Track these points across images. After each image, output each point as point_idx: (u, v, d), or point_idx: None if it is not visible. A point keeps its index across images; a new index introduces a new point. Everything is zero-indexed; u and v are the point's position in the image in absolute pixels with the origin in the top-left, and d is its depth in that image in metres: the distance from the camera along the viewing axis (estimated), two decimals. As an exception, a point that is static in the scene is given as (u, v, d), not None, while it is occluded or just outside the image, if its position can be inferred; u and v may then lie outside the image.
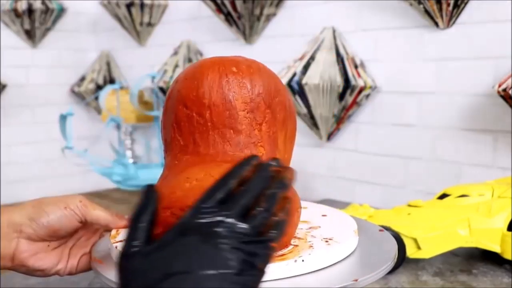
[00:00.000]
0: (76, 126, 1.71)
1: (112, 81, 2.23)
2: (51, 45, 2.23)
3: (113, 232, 0.62)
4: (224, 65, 0.59)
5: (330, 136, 1.54)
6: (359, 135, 1.52)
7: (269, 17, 1.68)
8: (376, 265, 0.55)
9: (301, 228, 0.62)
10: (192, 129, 0.58)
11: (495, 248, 0.94)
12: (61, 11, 2.17)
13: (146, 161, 2.09)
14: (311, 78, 1.42)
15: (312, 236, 0.60)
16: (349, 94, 1.43)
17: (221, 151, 0.56)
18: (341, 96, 1.43)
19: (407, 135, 1.41)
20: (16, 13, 2.07)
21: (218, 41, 1.85)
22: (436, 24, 1.30)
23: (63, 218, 0.60)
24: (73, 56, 2.30)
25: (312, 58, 1.46)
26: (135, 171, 1.77)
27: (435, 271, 0.95)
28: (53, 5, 2.13)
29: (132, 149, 2.09)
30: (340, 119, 1.49)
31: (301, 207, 0.60)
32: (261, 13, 1.66)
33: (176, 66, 1.88)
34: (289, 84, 1.44)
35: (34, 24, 2.12)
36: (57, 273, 0.64)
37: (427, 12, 1.29)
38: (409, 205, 1.00)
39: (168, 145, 0.61)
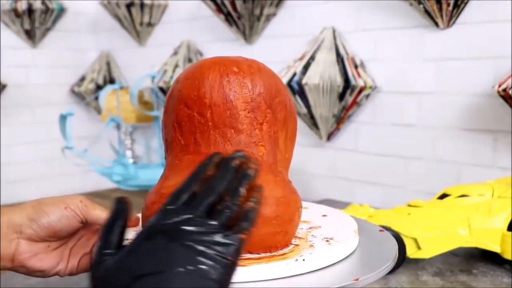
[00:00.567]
0: (76, 126, 1.71)
1: (112, 81, 2.23)
2: (51, 45, 2.23)
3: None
4: (225, 65, 0.59)
5: (330, 136, 1.54)
6: (359, 135, 1.52)
7: (269, 17, 1.68)
8: (376, 265, 0.55)
9: (302, 228, 0.62)
10: (193, 129, 0.58)
11: (495, 248, 0.94)
12: (61, 11, 2.17)
13: (146, 161, 2.09)
14: (311, 78, 1.42)
15: (312, 235, 0.60)
16: (349, 94, 1.43)
17: (222, 151, 0.56)
18: (341, 96, 1.43)
19: (407, 135, 1.41)
20: (16, 13, 2.07)
21: (218, 41, 1.86)
22: (436, 24, 1.30)
23: (64, 219, 0.60)
24: (73, 56, 2.30)
25: (312, 58, 1.46)
26: (135, 171, 1.77)
27: (435, 271, 0.95)
28: (53, 5, 2.13)
29: (132, 149, 2.09)
30: (340, 119, 1.49)
31: (302, 207, 0.60)
32: (261, 13, 1.66)
33: (176, 66, 1.88)
34: (289, 84, 1.44)
35: (34, 24, 2.12)
36: (57, 273, 0.64)
37: (427, 12, 1.29)
38: (409, 205, 1.00)
39: (169, 145, 0.61)
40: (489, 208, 0.95)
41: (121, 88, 1.99)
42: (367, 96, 1.46)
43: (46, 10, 2.11)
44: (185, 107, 0.59)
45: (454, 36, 1.29)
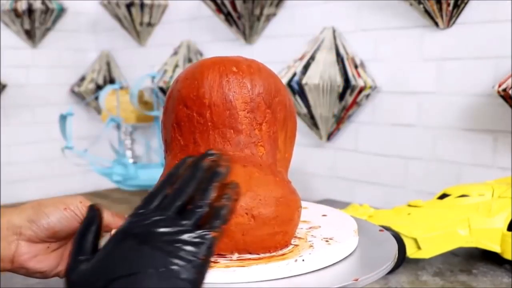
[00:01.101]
0: (76, 126, 1.71)
1: (112, 81, 2.23)
2: (51, 45, 2.23)
3: (114, 232, 0.62)
4: (224, 65, 0.59)
5: (330, 136, 1.54)
6: (359, 135, 1.52)
7: (269, 17, 1.68)
8: (376, 265, 0.55)
9: (301, 228, 0.62)
10: (192, 129, 0.58)
11: (495, 248, 0.94)
12: (61, 11, 2.17)
13: (146, 161, 2.09)
14: (311, 78, 1.42)
15: (312, 236, 0.60)
16: (349, 94, 1.43)
17: (222, 151, 0.56)
18: (341, 96, 1.43)
19: (407, 135, 1.41)
20: (16, 13, 2.07)
21: (218, 41, 1.86)
22: (436, 24, 1.30)
23: (63, 220, 0.60)
24: (73, 56, 2.30)
25: (312, 58, 1.46)
26: (135, 171, 1.77)
27: (435, 271, 0.95)
28: (53, 5, 2.13)
29: (132, 149, 2.09)
30: (340, 119, 1.49)
31: (301, 207, 0.60)
32: (261, 13, 1.66)
33: (176, 66, 1.88)
34: (289, 84, 1.44)
35: (34, 24, 2.12)
36: (57, 274, 0.64)
37: (427, 12, 1.29)
38: (409, 205, 1.00)
39: (169, 145, 0.61)
40: (489, 208, 0.95)
41: (121, 88, 1.99)
42: (367, 96, 1.46)
43: (46, 10, 2.11)
44: (184, 107, 0.59)
45: (454, 36, 1.29)
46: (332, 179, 1.59)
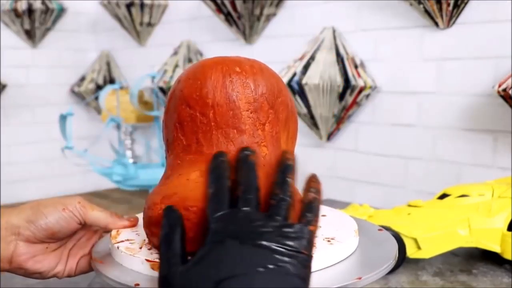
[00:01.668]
0: (76, 126, 1.71)
1: (112, 81, 2.23)
2: (51, 45, 2.23)
3: (113, 232, 0.62)
4: (227, 65, 0.59)
5: (330, 136, 1.54)
6: (359, 135, 1.52)
7: (269, 17, 1.68)
8: (378, 264, 0.55)
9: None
10: (195, 129, 0.58)
11: (495, 248, 0.94)
12: (61, 11, 2.17)
13: (146, 161, 2.09)
14: (311, 78, 1.42)
15: (313, 235, 0.60)
16: (349, 94, 1.43)
17: (225, 151, 0.56)
18: (341, 96, 1.43)
19: (407, 135, 1.41)
20: (16, 13, 2.07)
21: (218, 41, 1.86)
22: (436, 24, 1.30)
23: (62, 220, 0.60)
24: (73, 56, 2.30)
25: (312, 58, 1.46)
26: (135, 171, 1.77)
27: (435, 271, 0.95)
28: (53, 5, 2.13)
29: (132, 149, 2.09)
30: (340, 119, 1.49)
31: None
32: (261, 13, 1.66)
33: (176, 66, 1.88)
34: (289, 84, 1.44)
35: (34, 24, 2.12)
36: (55, 275, 0.63)
37: (427, 12, 1.29)
38: (409, 205, 1.00)
39: (170, 145, 0.61)
40: (489, 208, 0.95)
41: (121, 88, 1.99)
42: (367, 96, 1.46)
43: (46, 10, 2.11)
44: (187, 107, 0.59)
45: (454, 36, 1.29)
46: (332, 179, 1.59)
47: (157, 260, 0.52)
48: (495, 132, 1.25)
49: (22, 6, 2.06)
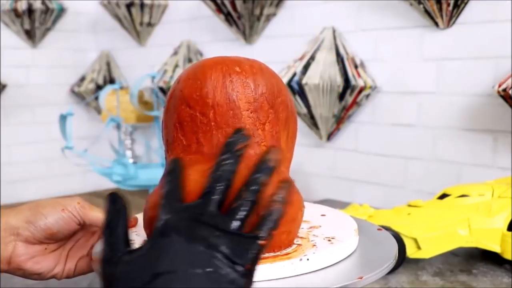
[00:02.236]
0: (76, 126, 1.71)
1: (112, 81, 2.23)
2: (51, 45, 2.23)
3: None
4: (227, 65, 0.59)
5: (330, 136, 1.54)
6: (359, 135, 1.52)
7: (269, 17, 1.68)
8: (378, 263, 0.55)
9: (302, 228, 0.62)
10: (195, 129, 0.58)
11: (495, 248, 0.94)
12: (61, 11, 2.17)
13: (146, 161, 2.09)
14: (311, 78, 1.42)
15: (314, 235, 0.60)
16: (349, 94, 1.43)
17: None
18: (341, 96, 1.43)
19: (407, 135, 1.41)
20: (16, 13, 2.07)
21: (218, 41, 1.86)
22: (436, 24, 1.30)
23: (61, 221, 0.60)
24: (73, 56, 2.30)
25: (312, 58, 1.46)
26: (135, 171, 1.77)
27: (435, 271, 0.95)
28: (53, 5, 2.13)
29: (132, 149, 2.09)
30: (340, 119, 1.49)
31: (304, 207, 0.60)
32: (261, 13, 1.66)
33: (176, 66, 1.88)
34: (289, 84, 1.44)
35: (34, 24, 2.12)
36: (54, 276, 0.63)
37: (427, 12, 1.29)
38: (409, 205, 1.00)
39: (170, 145, 0.61)
40: (489, 208, 0.95)
41: (121, 88, 1.99)
42: (367, 96, 1.46)
43: (46, 10, 2.11)
44: (187, 107, 0.59)
45: (454, 36, 1.29)
46: (332, 179, 1.59)
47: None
48: (495, 132, 1.25)
49: (22, 6, 2.06)
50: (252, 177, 0.46)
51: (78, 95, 2.27)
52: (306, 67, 1.45)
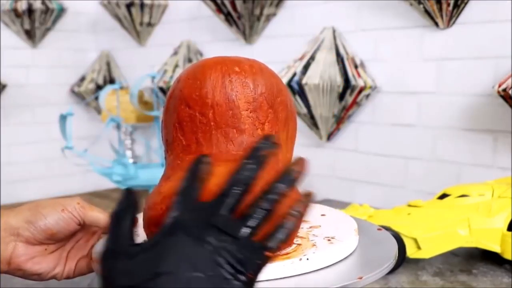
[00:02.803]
0: (76, 126, 1.71)
1: (112, 81, 2.23)
2: (51, 45, 2.23)
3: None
4: (226, 65, 0.59)
5: (330, 136, 1.54)
6: (359, 135, 1.52)
7: (269, 17, 1.68)
8: (378, 263, 0.55)
9: (302, 228, 0.62)
10: (194, 129, 0.58)
11: (495, 248, 0.94)
12: (61, 11, 2.17)
13: (146, 161, 2.09)
14: (311, 78, 1.42)
15: (313, 235, 0.60)
16: (349, 94, 1.43)
17: (224, 151, 0.56)
18: (341, 96, 1.43)
19: (407, 135, 1.41)
20: (16, 13, 2.07)
21: (218, 41, 1.86)
22: (436, 24, 1.30)
23: (61, 221, 0.60)
24: (73, 56, 2.30)
25: (312, 58, 1.46)
26: (135, 171, 1.77)
27: (435, 271, 0.95)
28: (53, 5, 2.13)
29: (132, 149, 2.09)
30: (340, 119, 1.49)
31: None
32: (261, 13, 1.66)
33: (176, 66, 1.88)
34: (289, 84, 1.44)
35: (34, 24, 2.12)
36: (54, 277, 0.63)
37: (427, 12, 1.29)
38: (409, 205, 1.00)
39: (170, 145, 0.61)
40: (489, 208, 0.95)
41: (121, 88, 1.99)
42: (367, 96, 1.46)
43: (46, 10, 2.11)
44: (186, 107, 0.59)
45: (454, 36, 1.29)
46: (332, 179, 1.59)
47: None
48: (495, 132, 1.25)
49: (22, 6, 2.06)
50: (272, 185, 0.45)
51: (78, 95, 2.27)
52: (306, 67, 1.45)
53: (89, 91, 2.22)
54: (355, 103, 1.45)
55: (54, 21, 2.18)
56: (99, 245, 0.63)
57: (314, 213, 0.68)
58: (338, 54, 1.45)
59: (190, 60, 1.89)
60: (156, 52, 2.08)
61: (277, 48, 1.67)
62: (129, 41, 2.18)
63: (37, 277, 0.62)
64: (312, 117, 1.50)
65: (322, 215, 0.68)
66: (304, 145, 1.61)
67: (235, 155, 0.56)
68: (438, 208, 0.97)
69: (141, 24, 2.07)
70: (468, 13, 1.26)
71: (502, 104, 1.19)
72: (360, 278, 0.52)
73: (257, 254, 0.42)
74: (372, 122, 1.48)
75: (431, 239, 0.93)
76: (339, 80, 1.41)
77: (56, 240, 0.62)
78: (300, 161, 0.48)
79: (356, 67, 1.45)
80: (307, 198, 0.46)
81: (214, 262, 0.41)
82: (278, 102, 0.60)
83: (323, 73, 1.42)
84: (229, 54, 0.65)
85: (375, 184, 1.49)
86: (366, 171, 1.51)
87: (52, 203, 0.61)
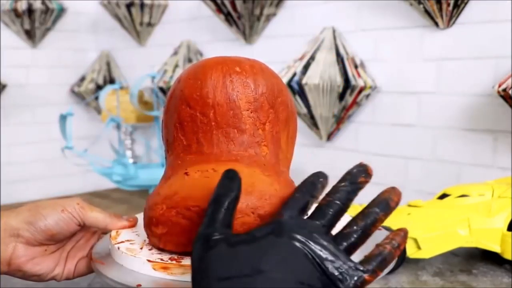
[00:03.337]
0: (76, 126, 1.71)
1: (112, 81, 2.23)
2: (51, 45, 2.23)
3: (113, 233, 0.62)
4: (227, 64, 0.59)
5: (330, 136, 1.54)
6: (359, 135, 1.52)
7: (269, 17, 1.68)
8: None
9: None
10: (195, 129, 0.58)
11: (495, 248, 0.94)
12: (61, 11, 2.17)
13: (146, 161, 2.09)
14: (311, 78, 1.42)
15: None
16: (349, 94, 1.43)
17: (225, 151, 0.57)
18: (341, 96, 1.43)
19: (407, 135, 1.41)
20: (16, 13, 2.07)
21: (218, 41, 1.86)
22: (436, 24, 1.30)
23: (61, 221, 0.60)
24: (73, 56, 2.30)
25: (312, 58, 1.46)
26: (135, 171, 1.77)
27: (435, 271, 0.95)
28: (53, 5, 2.13)
29: (132, 149, 2.09)
30: (340, 119, 1.49)
31: None
32: (261, 13, 1.66)
33: (176, 66, 1.88)
34: (289, 84, 1.44)
35: (34, 24, 2.12)
36: (54, 278, 0.63)
37: (427, 12, 1.29)
38: (409, 205, 1.00)
39: (170, 145, 0.61)
40: (489, 208, 0.95)
41: (121, 88, 1.99)
42: (367, 96, 1.46)
43: (46, 10, 2.11)
44: (187, 107, 0.59)
45: (454, 36, 1.29)
46: (332, 179, 1.58)
47: (159, 261, 0.52)
48: (495, 132, 1.25)
49: (22, 6, 2.06)
50: (370, 209, 0.48)
51: (78, 95, 2.27)
52: (306, 67, 1.45)
53: (89, 91, 2.22)
54: (355, 103, 1.46)
55: (54, 21, 2.18)
56: (99, 246, 0.63)
57: None
58: (338, 54, 1.45)
59: (190, 60, 1.89)
60: (156, 52, 2.08)
61: (277, 48, 1.67)
62: (129, 41, 2.18)
63: (37, 278, 0.62)
64: (312, 117, 1.50)
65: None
66: (304, 145, 1.61)
67: (236, 155, 0.57)
68: (438, 208, 0.97)
69: (141, 24, 2.07)
70: (468, 13, 1.26)
71: (502, 104, 1.19)
72: None
73: (357, 276, 0.43)
74: (372, 122, 1.48)
75: (431, 239, 0.93)
76: (339, 80, 1.41)
77: (56, 240, 0.62)
78: (397, 191, 0.51)
79: (356, 67, 1.45)
80: (405, 233, 0.47)
81: (314, 275, 0.41)
82: (279, 102, 0.60)
83: (323, 73, 1.42)
84: (229, 54, 0.65)
85: (375, 184, 1.48)
86: (366, 171, 1.50)
87: (52, 203, 0.61)
